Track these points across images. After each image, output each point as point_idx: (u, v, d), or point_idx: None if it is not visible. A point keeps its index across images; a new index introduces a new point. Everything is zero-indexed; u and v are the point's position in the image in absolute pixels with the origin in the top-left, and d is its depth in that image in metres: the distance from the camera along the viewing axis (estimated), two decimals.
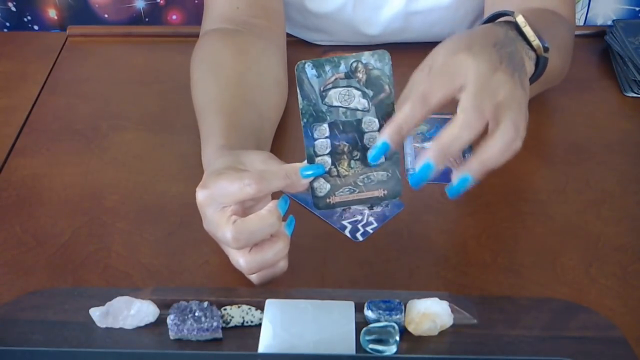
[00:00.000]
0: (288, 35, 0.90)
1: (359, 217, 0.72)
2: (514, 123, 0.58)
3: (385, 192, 0.61)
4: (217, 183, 0.58)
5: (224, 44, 0.80)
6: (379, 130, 0.59)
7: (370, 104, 0.59)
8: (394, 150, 0.59)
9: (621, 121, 0.86)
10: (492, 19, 0.71)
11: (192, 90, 0.78)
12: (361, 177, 0.60)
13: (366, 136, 0.60)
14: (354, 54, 0.58)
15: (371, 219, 0.72)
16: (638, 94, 0.89)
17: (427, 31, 0.94)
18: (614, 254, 0.69)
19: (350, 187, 0.61)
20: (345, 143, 0.60)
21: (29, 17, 1.26)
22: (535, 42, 0.67)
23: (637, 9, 1.30)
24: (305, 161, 0.60)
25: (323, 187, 0.60)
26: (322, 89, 0.58)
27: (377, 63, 0.58)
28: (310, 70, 0.58)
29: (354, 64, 0.58)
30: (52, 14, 1.25)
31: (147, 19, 1.26)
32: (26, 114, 0.87)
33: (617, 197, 0.75)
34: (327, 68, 0.58)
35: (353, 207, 0.72)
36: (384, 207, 0.73)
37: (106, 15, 1.25)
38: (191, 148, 0.78)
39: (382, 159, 0.60)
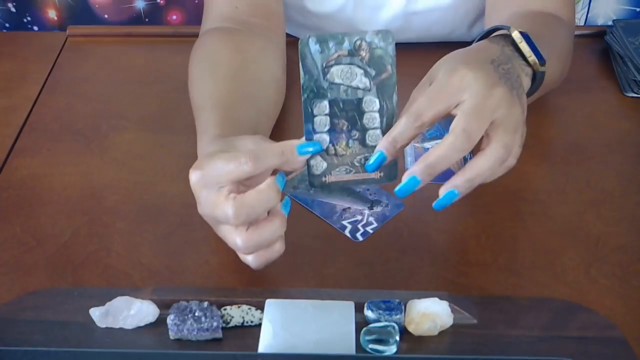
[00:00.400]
0: (288, 35, 0.90)
1: (359, 217, 0.72)
2: (504, 144, 0.59)
3: (382, 174, 0.61)
4: (211, 163, 0.58)
5: (222, 43, 0.80)
6: (379, 110, 0.60)
7: (372, 83, 0.59)
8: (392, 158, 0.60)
9: (621, 121, 0.86)
10: (488, 34, 0.72)
11: (190, 88, 0.78)
12: (358, 157, 0.60)
13: (366, 116, 0.60)
14: (358, 31, 0.58)
15: (371, 219, 0.72)
16: (638, 94, 0.89)
17: (426, 31, 0.94)
18: (614, 254, 0.69)
19: (347, 167, 0.60)
20: (344, 122, 0.59)
21: (29, 18, 1.26)
22: (532, 58, 0.67)
23: (638, 9, 1.30)
24: (303, 139, 0.59)
25: (320, 165, 0.60)
26: (324, 65, 0.58)
27: (381, 42, 0.58)
28: (313, 45, 0.58)
29: (358, 42, 0.58)
30: (51, 14, 1.25)
31: (147, 19, 1.26)
32: (26, 114, 0.87)
33: (617, 197, 0.75)
34: (331, 44, 0.58)
35: (353, 207, 0.72)
36: (384, 207, 0.73)
37: (106, 16, 1.25)
38: (191, 148, 0.78)
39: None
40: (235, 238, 0.59)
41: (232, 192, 0.58)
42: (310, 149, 0.59)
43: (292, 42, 0.89)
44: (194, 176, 0.59)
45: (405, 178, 0.59)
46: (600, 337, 0.58)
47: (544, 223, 0.72)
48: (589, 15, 1.31)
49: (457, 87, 0.59)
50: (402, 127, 0.59)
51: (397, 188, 0.59)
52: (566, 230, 0.71)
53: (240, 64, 0.77)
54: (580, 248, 0.69)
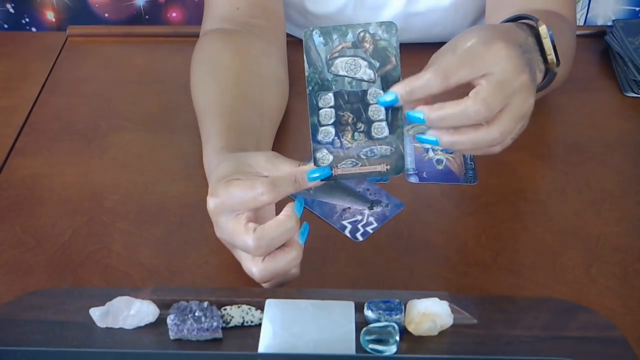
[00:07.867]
0: (288, 35, 0.90)
1: (359, 217, 0.72)
2: (502, 131, 0.59)
3: (388, 167, 0.60)
4: (228, 192, 0.58)
5: (223, 45, 0.80)
6: None
7: (376, 75, 0.59)
8: (398, 123, 0.59)
9: (621, 121, 0.86)
10: (514, 20, 0.70)
11: (192, 91, 0.79)
12: (364, 150, 0.60)
13: (371, 108, 0.59)
14: (362, 23, 0.58)
15: (371, 219, 0.72)
16: (638, 94, 0.89)
17: (427, 32, 0.94)
18: (614, 254, 0.69)
19: (353, 159, 0.60)
20: (349, 114, 0.59)
21: (27, 19, 1.26)
22: (551, 56, 0.67)
23: (637, 9, 1.30)
24: (312, 162, 0.60)
25: (326, 158, 0.60)
26: (328, 57, 0.58)
27: (385, 34, 0.58)
28: (317, 38, 0.58)
29: (361, 34, 0.58)
30: (49, 16, 1.25)
31: (147, 17, 1.26)
32: (26, 114, 0.87)
33: (617, 197, 0.75)
34: (335, 36, 0.58)
35: (353, 207, 0.72)
36: (384, 207, 0.73)
37: (106, 14, 1.25)
38: (191, 148, 0.78)
39: (386, 133, 0.60)
40: (252, 267, 0.59)
41: (249, 219, 0.58)
42: (318, 175, 0.59)
43: (292, 42, 0.89)
44: (212, 203, 0.59)
45: (418, 110, 0.58)
46: (600, 337, 0.58)
47: (544, 223, 0.72)
48: (588, 16, 1.31)
49: (491, 58, 0.58)
50: (425, 80, 0.58)
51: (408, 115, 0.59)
52: (566, 230, 0.71)
53: (242, 67, 0.77)
54: (580, 248, 0.69)
